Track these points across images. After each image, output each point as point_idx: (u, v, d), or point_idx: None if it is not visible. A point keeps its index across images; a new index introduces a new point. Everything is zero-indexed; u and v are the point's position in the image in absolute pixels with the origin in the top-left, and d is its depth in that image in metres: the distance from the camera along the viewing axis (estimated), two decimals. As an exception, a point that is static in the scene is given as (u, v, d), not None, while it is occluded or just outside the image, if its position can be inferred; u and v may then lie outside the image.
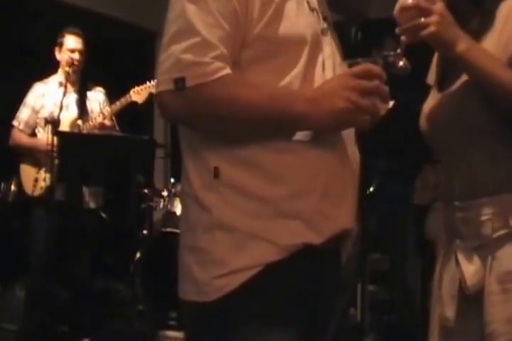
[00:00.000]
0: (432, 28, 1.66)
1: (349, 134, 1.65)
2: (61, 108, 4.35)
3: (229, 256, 1.53)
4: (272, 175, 1.53)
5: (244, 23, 1.52)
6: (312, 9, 1.62)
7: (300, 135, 1.54)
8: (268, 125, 1.52)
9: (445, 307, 1.84)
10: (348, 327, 4.66)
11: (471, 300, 1.79)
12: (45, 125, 4.46)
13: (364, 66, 1.52)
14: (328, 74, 1.60)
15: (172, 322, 4.64)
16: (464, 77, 1.78)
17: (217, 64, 1.48)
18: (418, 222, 4.55)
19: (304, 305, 1.56)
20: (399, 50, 1.70)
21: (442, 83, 1.90)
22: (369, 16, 5.03)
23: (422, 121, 1.93)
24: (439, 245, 1.98)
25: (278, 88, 1.54)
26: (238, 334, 1.54)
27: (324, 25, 1.65)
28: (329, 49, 1.64)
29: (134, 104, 4.53)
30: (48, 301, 4.58)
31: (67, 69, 4.53)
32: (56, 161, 4.23)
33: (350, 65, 1.54)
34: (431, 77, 1.97)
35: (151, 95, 4.45)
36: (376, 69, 1.52)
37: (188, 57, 1.48)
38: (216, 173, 1.54)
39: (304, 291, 1.56)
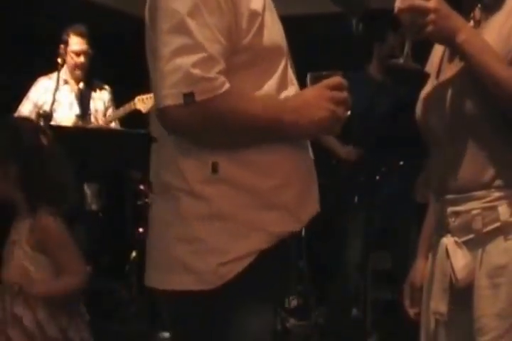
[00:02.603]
0: (429, 28, 1.68)
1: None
2: (53, 102, 4.28)
3: (229, 244, 1.66)
4: (262, 171, 1.69)
5: (234, 35, 1.63)
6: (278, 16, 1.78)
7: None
8: (262, 133, 1.68)
9: (437, 302, 1.84)
10: (351, 326, 4.62)
11: (462, 295, 1.79)
12: (38, 119, 4.37)
13: (336, 79, 1.72)
14: (292, 75, 1.79)
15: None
16: (463, 65, 1.78)
17: (222, 79, 1.60)
18: (420, 220, 4.48)
19: (282, 284, 1.81)
20: (406, 50, 1.75)
21: (443, 70, 1.90)
22: (370, 8, 4.99)
23: (418, 109, 1.94)
24: (425, 238, 2.04)
25: (267, 98, 1.70)
26: (240, 316, 1.68)
27: None
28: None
29: (137, 111, 4.44)
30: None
31: (76, 72, 4.55)
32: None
33: (316, 77, 1.73)
34: (430, 65, 1.97)
35: (154, 105, 4.37)
36: (344, 81, 1.73)
37: (197, 72, 1.56)
38: (215, 168, 1.66)
39: (283, 272, 1.79)
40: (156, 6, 1.65)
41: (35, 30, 5.38)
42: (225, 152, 1.67)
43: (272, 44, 1.71)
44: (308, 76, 1.76)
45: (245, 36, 1.65)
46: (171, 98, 1.59)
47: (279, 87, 1.73)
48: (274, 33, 1.72)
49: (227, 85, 1.61)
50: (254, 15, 1.66)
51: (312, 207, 1.81)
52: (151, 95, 4.43)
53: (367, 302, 4.79)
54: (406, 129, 3.96)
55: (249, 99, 1.69)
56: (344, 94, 1.73)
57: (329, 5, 4.45)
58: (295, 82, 1.80)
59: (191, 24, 1.59)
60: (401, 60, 1.75)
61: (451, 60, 1.87)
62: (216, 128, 1.65)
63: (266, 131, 1.69)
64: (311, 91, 1.73)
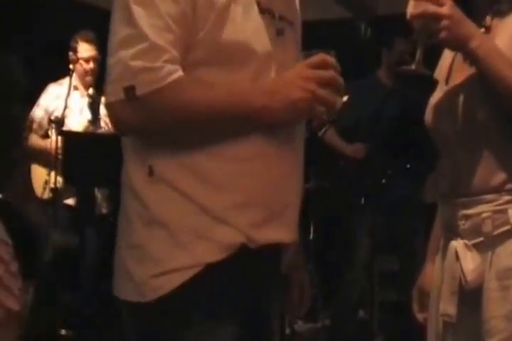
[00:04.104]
0: (442, 34, 1.66)
1: (300, 148, 1.62)
2: (65, 108, 4.30)
3: (167, 253, 1.48)
4: (213, 184, 1.49)
5: (190, 26, 1.47)
6: (263, 11, 1.55)
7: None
8: (230, 122, 1.49)
9: (446, 304, 1.83)
10: (358, 328, 4.63)
11: (471, 297, 1.79)
12: (49, 124, 4.41)
13: (319, 56, 1.49)
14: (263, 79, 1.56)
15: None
16: (473, 70, 1.77)
17: (169, 67, 1.43)
18: (427, 222, 4.50)
19: (245, 307, 1.53)
20: (418, 56, 1.72)
21: (452, 75, 1.90)
22: (378, 13, 5.02)
23: (428, 114, 1.92)
24: (434, 242, 2.01)
25: (235, 84, 1.50)
26: (177, 335, 1.49)
27: (280, 24, 1.58)
28: (287, 52, 1.60)
29: None
30: (54, 305, 4.54)
31: (86, 79, 4.57)
32: (62, 162, 4.18)
33: (304, 56, 1.52)
34: (438, 72, 1.97)
35: None
36: (330, 59, 1.49)
37: (138, 63, 1.42)
38: (150, 172, 1.50)
39: (244, 293, 1.53)
40: None
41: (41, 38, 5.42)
42: (165, 155, 1.49)
43: (237, 43, 1.49)
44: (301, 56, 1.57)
45: (202, 27, 1.47)
46: (113, 93, 1.45)
47: None
48: (242, 30, 1.49)
49: (176, 74, 1.43)
50: (210, 7, 1.47)
51: (277, 235, 1.55)
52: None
53: (374, 303, 4.80)
54: (414, 133, 4.03)
55: (209, 86, 1.48)
56: (329, 73, 1.48)
57: (338, 11, 4.48)
58: None
59: (137, 13, 1.43)
60: (413, 66, 1.72)
61: (460, 65, 1.87)
62: (167, 124, 1.47)
63: (233, 120, 1.48)
64: (289, 72, 1.51)
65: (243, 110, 1.47)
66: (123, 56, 1.43)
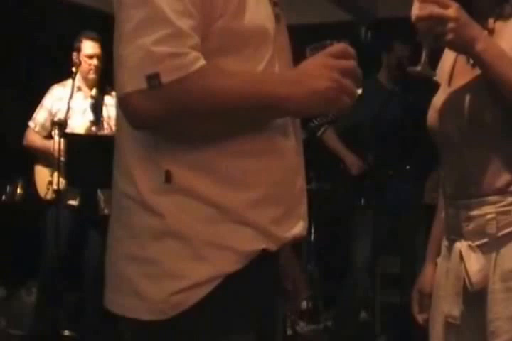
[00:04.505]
0: (449, 36, 1.65)
1: (299, 141, 1.58)
2: (68, 110, 4.32)
3: (185, 267, 1.39)
4: (230, 181, 1.42)
5: (208, 14, 1.38)
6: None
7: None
8: (252, 112, 1.41)
9: (450, 305, 1.83)
10: (360, 329, 4.63)
11: (475, 298, 1.79)
12: (52, 126, 4.42)
13: (340, 46, 1.43)
14: (284, 64, 1.53)
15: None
16: (476, 72, 1.77)
17: (195, 54, 1.33)
18: (428, 223, 4.51)
19: (259, 312, 1.49)
20: (423, 58, 1.71)
21: (455, 77, 1.90)
22: (378, 16, 5.03)
23: (431, 115, 1.92)
24: (433, 243, 2.01)
25: (257, 73, 1.45)
26: None
27: (277, 10, 1.54)
28: (283, 38, 1.57)
29: None
30: (58, 305, 4.55)
31: (90, 76, 4.55)
32: (64, 164, 4.19)
33: (316, 48, 1.46)
34: (440, 74, 1.96)
35: None
36: (351, 49, 1.44)
37: (162, 49, 1.30)
38: (168, 177, 1.39)
39: (260, 299, 1.48)
40: None
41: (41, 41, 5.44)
42: (184, 158, 1.40)
43: (255, 27, 1.44)
44: (308, 49, 1.48)
45: (221, 16, 1.39)
46: (132, 82, 1.31)
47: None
48: (258, 15, 1.45)
49: (202, 61, 1.34)
50: None
51: (296, 229, 1.51)
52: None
53: (376, 305, 4.81)
54: (414, 134, 4.04)
55: (233, 74, 1.40)
56: (351, 63, 1.42)
57: (338, 14, 4.49)
58: (287, 63, 1.56)
59: None
60: (418, 68, 1.71)
61: (462, 67, 1.87)
62: (192, 114, 1.36)
63: (258, 110, 1.40)
64: (311, 61, 1.43)
65: (268, 99, 1.39)
66: (142, 42, 1.30)
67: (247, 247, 1.42)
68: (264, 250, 1.44)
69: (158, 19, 1.31)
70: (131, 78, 1.31)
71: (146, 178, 1.40)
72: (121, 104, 1.37)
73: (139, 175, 1.41)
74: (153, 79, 1.29)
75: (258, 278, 1.45)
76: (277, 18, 1.53)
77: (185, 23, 1.32)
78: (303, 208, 1.55)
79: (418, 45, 1.74)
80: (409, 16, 1.69)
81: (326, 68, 1.40)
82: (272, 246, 1.46)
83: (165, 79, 1.30)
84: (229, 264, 1.40)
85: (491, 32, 1.81)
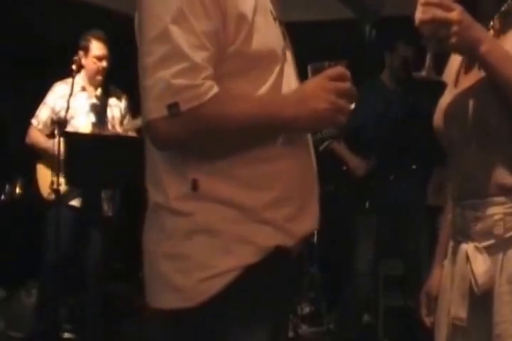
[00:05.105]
0: (452, 40, 1.64)
1: (310, 141, 1.77)
2: (67, 109, 4.29)
3: (211, 259, 1.58)
4: (248, 185, 1.60)
5: (221, 42, 1.56)
6: (275, 18, 1.69)
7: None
8: (261, 133, 1.61)
9: (457, 307, 1.83)
10: (363, 332, 4.62)
11: (481, 300, 1.78)
12: (52, 125, 4.38)
13: (338, 69, 1.63)
14: (291, 80, 1.70)
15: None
16: (482, 74, 1.77)
17: (208, 83, 1.52)
18: (431, 225, 4.53)
19: (276, 303, 1.65)
20: (428, 63, 1.74)
21: (461, 78, 1.90)
22: (383, 14, 4.99)
23: (437, 117, 1.92)
24: (442, 246, 2.01)
25: (264, 96, 1.62)
26: (231, 334, 1.60)
27: (282, 29, 1.72)
28: (289, 53, 1.73)
29: None
30: (58, 306, 4.54)
31: (97, 78, 4.53)
32: (64, 163, 4.16)
33: (317, 68, 1.65)
34: (447, 75, 1.96)
35: None
36: (347, 72, 1.63)
37: (180, 81, 1.50)
38: (195, 185, 1.58)
39: (276, 290, 1.65)
40: (141, 13, 1.59)
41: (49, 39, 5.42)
42: (208, 167, 1.59)
43: (264, 49, 1.62)
44: (309, 67, 1.67)
45: (233, 42, 1.58)
46: (155, 110, 1.52)
47: (274, 90, 1.65)
48: (266, 37, 1.63)
49: (214, 89, 1.53)
50: (242, 19, 1.58)
51: (309, 224, 1.71)
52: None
53: (379, 308, 4.79)
54: (417, 135, 4.02)
55: (243, 99, 1.60)
56: (346, 85, 1.63)
57: (342, 11, 4.43)
58: (294, 86, 1.72)
59: (175, 32, 1.51)
60: (423, 73, 1.73)
61: (468, 69, 1.86)
62: (209, 136, 1.57)
63: (267, 130, 1.61)
64: (311, 83, 1.64)
65: (276, 120, 1.59)
66: (163, 75, 1.50)
67: (266, 243, 1.60)
68: (280, 246, 1.62)
69: (177, 54, 1.51)
70: (155, 107, 1.52)
71: (175, 187, 1.59)
72: (147, 128, 1.57)
73: (168, 184, 1.60)
74: (172, 107, 1.50)
75: (275, 272, 1.62)
76: (284, 35, 1.72)
77: (200, 56, 1.51)
78: (315, 203, 1.73)
79: (422, 46, 1.74)
80: (414, 15, 1.68)
81: (324, 91, 1.60)
82: (289, 242, 1.64)
83: (183, 107, 1.50)
84: (250, 257, 1.58)
85: (496, 32, 1.80)
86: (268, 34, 1.64)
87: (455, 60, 1.94)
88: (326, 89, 1.61)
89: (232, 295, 1.57)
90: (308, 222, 1.70)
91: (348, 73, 1.63)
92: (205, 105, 1.51)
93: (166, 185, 1.60)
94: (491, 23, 1.81)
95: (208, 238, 1.58)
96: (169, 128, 1.52)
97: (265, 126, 1.59)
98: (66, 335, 4.70)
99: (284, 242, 1.63)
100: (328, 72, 1.63)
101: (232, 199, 1.58)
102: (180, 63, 1.50)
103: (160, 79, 1.50)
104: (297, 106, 1.60)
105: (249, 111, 1.58)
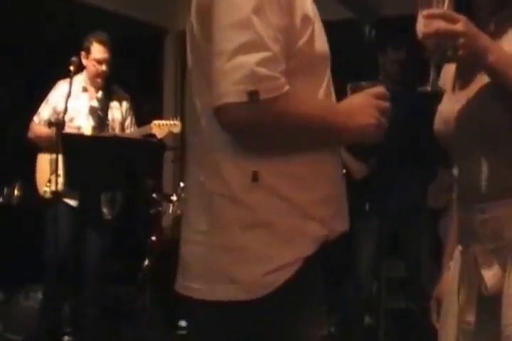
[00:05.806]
0: (460, 53, 1.61)
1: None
2: (65, 111, 4.28)
3: (274, 252, 1.64)
4: (304, 182, 1.68)
5: (289, 39, 1.62)
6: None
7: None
8: (318, 135, 1.68)
9: (465, 311, 1.82)
10: (364, 335, 4.60)
11: (490, 303, 1.77)
12: (49, 127, 4.36)
13: (380, 89, 1.76)
14: (332, 89, 1.78)
15: (181, 331, 4.58)
16: (484, 79, 1.75)
17: (284, 79, 1.58)
18: (433, 226, 4.51)
19: (321, 291, 1.75)
20: (432, 77, 1.74)
21: (459, 83, 1.89)
22: (382, 14, 5.00)
23: (438, 122, 1.91)
24: (451, 250, 2.00)
25: (320, 100, 1.72)
26: (284, 327, 1.67)
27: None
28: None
29: (152, 136, 4.46)
30: (60, 309, 4.53)
31: (97, 80, 4.53)
32: (63, 165, 4.13)
33: (356, 87, 1.76)
34: (444, 79, 1.95)
35: (170, 133, 4.47)
36: (387, 92, 1.76)
37: (263, 70, 1.54)
38: (255, 177, 1.64)
39: (320, 280, 1.74)
40: (213, 1, 1.61)
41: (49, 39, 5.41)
42: (267, 161, 1.66)
43: (322, 53, 1.72)
44: (349, 86, 1.77)
45: (299, 39, 1.64)
46: (234, 95, 1.55)
47: (326, 98, 1.74)
48: (322, 41, 1.73)
49: (287, 86, 1.59)
50: (307, 20, 1.66)
51: (344, 224, 1.80)
52: (167, 122, 4.47)
53: (380, 310, 4.78)
54: (418, 137, 3.99)
55: (307, 101, 1.67)
56: (387, 104, 1.75)
57: (342, 12, 4.45)
58: (333, 93, 1.80)
59: (256, 21, 1.56)
60: (428, 88, 1.74)
61: (465, 73, 1.85)
62: (275, 128, 1.61)
63: (322, 133, 1.68)
64: (358, 98, 1.74)
65: (331, 125, 1.67)
66: (246, 61, 1.54)
67: (318, 236, 1.69)
68: (328, 239, 1.71)
69: (258, 43, 1.55)
70: (234, 91, 1.55)
71: (237, 178, 1.65)
72: (219, 112, 1.59)
73: (229, 175, 1.66)
74: (253, 94, 1.54)
75: (318, 263, 1.72)
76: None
77: (278, 49, 1.57)
78: (346, 207, 1.82)
79: (416, 45, 1.70)
80: (413, 14, 1.65)
81: (370, 107, 1.71)
82: (331, 237, 1.73)
83: (263, 96, 1.55)
84: (307, 249, 1.67)
85: (493, 35, 1.76)
86: (322, 40, 1.73)
87: (450, 66, 1.92)
88: (371, 105, 1.71)
89: (292, 286, 1.63)
90: (343, 221, 1.79)
91: (387, 94, 1.76)
92: (280, 98, 1.57)
93: (226, 175, 1.66)
94: (488, 26, 1.79)
95: (267, 231, 1.64)
96: (243, 113, 1.56)
97: (322, 129, 1.66)
98: (66, 339, 4.69)
99: (329, 237, 1.72)
100: (372, 91, 1.74)
101: (289, 195, 1.65)
102: (262, 52, 1.55)
103: (242, 64, 1.54)
104: (347, 116, 1.68)
105: (315, 112, 1.65)
